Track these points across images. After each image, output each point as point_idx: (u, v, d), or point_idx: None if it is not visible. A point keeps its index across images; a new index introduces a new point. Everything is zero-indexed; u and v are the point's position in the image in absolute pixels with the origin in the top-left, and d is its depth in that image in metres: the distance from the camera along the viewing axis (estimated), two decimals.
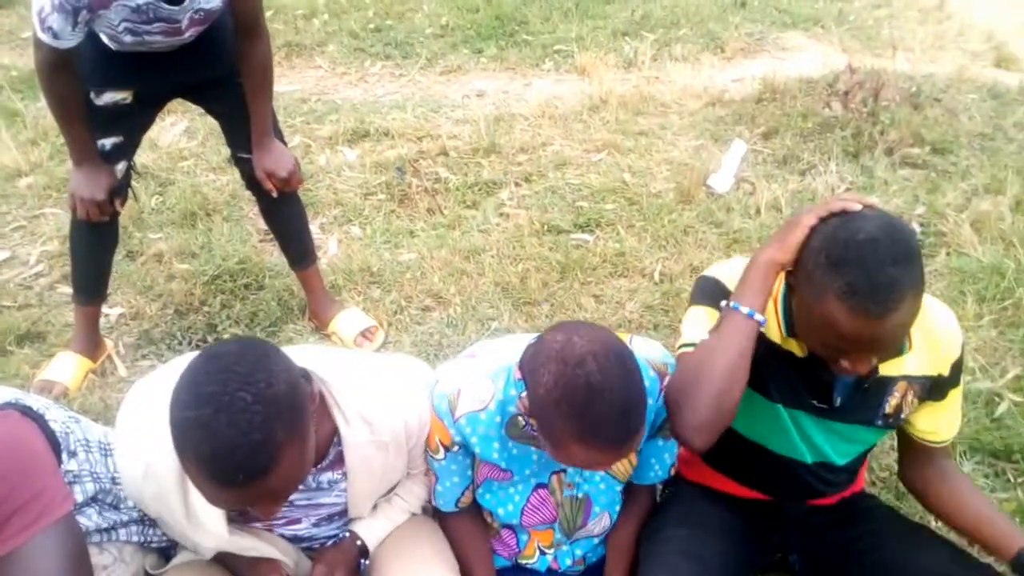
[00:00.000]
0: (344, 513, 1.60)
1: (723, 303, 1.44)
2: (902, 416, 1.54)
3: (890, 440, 2.03)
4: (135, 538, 1.56)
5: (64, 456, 1.39)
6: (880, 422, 1.53)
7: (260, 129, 2.20)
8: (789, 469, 1.60)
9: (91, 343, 2.46)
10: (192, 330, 2.61)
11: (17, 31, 4.68)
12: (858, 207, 1.34)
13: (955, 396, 1.56)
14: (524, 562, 1.73)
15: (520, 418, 1.51)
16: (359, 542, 1.60)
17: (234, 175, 3.00)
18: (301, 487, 1.49)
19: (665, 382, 1.52)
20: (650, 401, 1.42)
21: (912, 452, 1.65)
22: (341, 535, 1.61)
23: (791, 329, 1.48)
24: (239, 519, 1.52)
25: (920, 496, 1.70)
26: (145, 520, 1.57)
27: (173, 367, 1.43)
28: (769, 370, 1.49)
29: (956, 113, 3.67)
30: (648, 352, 1.57)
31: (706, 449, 1.40)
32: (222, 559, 1.55)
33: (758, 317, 1.40)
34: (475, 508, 1.70)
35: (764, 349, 1.45)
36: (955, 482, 1.63)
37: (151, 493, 1.41)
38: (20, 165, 3.36)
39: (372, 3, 4.89)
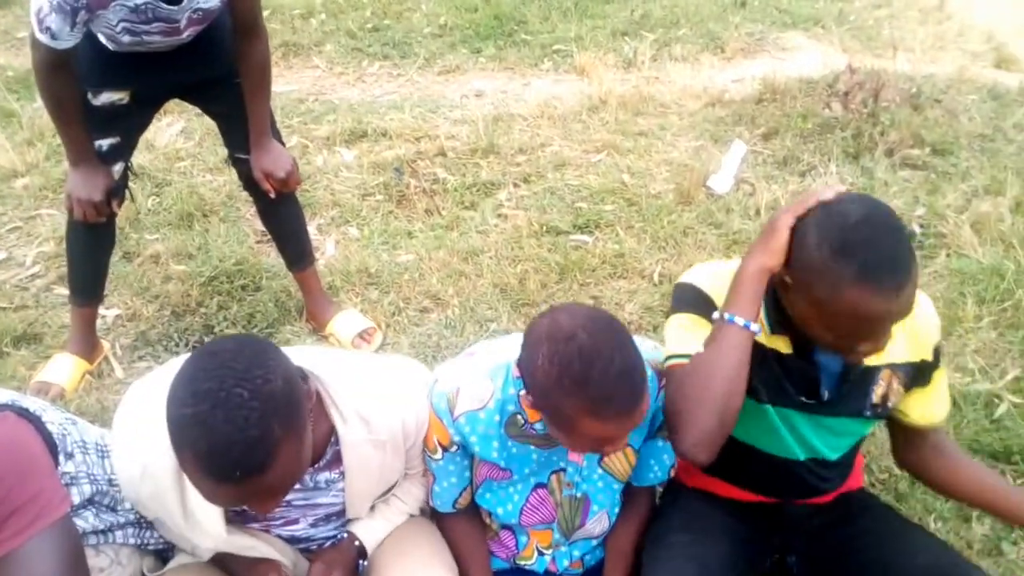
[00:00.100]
0: (342, 513, 1.60)
1: (715, 315, 1.44)
2: (889, 404, 1.55)
3: (890, 441, 2.02)
4: (132, 540, 1.55)
5: (61, 458, 1.38)
6: (869, 412, 1.54)
7: (258, 129, 2.19)
8: (782, 468, 1.61)
9: (88, 345, 2.45)
10: (189, 331, 2.60)
11: (12, 31, 4.65)
12: (831, 195, 1.36)
13: (940, 377, 1.58)
14: (522, 563, 1.73)
15: (519, 416, 1.51)
16: (357, 543, 1.60)
17: (231, 176, 3.00)
18: (298, 487, 1.49)
19: (663, 383, 1.52)
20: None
21: (905, 435, 1.67)
22: (339, 536, 1.61)
23: (775, 327, 1.48)
24: (237, 519, 1.51)
25: (919, 474, 1.71)
26: (142, 522, 1.57)
27: (170, 368, 1.42)
28: (755, 371, 1.49)
29: (956, 114, 3.67)
30: (648, 352, 1.56)
31: (710, 463, 1.41)
32: (219, 561, 1.55)
33: (754, 327, 1.40)
34: (473, 509, 1.70)
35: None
36: (951, 453, 1.66)
37: (148, 493, 1.41)
38: (16, 166, 3.34)
39: (370, 2, 4.87)
